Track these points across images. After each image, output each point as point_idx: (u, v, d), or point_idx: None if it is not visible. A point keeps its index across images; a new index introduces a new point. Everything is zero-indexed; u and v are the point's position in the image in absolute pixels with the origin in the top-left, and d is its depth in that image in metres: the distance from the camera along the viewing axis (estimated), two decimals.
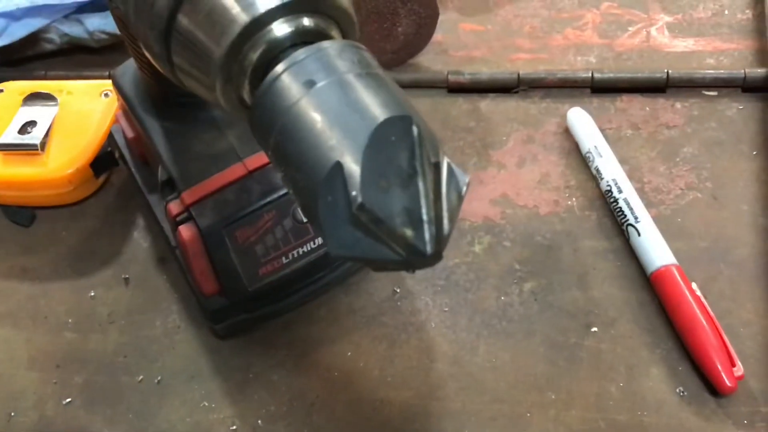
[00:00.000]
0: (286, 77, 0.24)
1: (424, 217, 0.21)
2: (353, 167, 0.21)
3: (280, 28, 0.26)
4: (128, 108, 0.42)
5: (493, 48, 0.57)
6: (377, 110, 0.22)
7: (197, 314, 0.43)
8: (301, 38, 0.26)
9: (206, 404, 0.40)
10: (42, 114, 0.48)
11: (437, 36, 0.55)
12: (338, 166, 0.22)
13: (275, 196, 0.39)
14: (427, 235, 0.22)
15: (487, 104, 0.53)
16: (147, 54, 0.28)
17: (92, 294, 0.45)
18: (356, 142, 0.21)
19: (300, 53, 0.24)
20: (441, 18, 0.54)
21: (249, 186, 0.39)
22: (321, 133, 0.22)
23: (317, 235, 0.40)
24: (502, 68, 0.55)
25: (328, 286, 0.43)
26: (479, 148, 0.50)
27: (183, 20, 0.26)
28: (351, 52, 0.24)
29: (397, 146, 0.22)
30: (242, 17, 0.25)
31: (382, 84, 0.24)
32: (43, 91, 0.49)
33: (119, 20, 0.33)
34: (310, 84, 0.23)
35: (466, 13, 0.60)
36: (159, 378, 0.41)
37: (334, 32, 0.27)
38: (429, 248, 0.22)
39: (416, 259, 0.22)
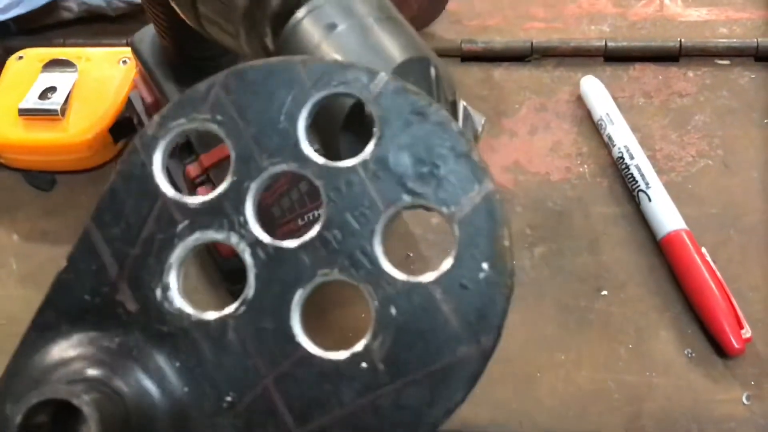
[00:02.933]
0: (306, 22, 0.25)
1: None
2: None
3: None
4: (147, 73, 0.43)
5: (507, 17, 0.57)
6: (396, 52, 0.23)
7: (214, 275, 0.44)
8: None
9: None
10: (62, 80, 0.49)
11: (451, 5, 0.55)
12: (360, 105, 0.22)
13: None
14: None
15: (500, 73, 0.53)
16: (173, 3, 0.29)
17: None
18: None
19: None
20: None
21: None
22: None
23: None
24: (515, 37, 0.55)
25: None
26: (492, 116, 0.51)
27: None
28: None
29: (416, 85, 0.22)
30: None
31: (400, 27, 0.24)
32: (62, 57, 0.50)
33: None
34: (330, 28, 0.24)
35: None
36: None
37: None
38: None
39: None
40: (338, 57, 0.23)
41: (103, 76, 0.50)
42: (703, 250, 0.42)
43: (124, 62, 0.50)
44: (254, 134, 0.23)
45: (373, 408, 0.22)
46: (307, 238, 0.22)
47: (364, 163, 0.22)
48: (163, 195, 0.23)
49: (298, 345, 0.22)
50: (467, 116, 0.23)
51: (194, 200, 0.23)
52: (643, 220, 0.45)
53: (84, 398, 0.20)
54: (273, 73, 0.23)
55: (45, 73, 0.49)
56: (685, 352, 0.40)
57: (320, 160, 0.22)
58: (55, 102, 0.47)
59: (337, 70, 0.22)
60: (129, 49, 0.45)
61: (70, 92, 0.48)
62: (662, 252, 0.43)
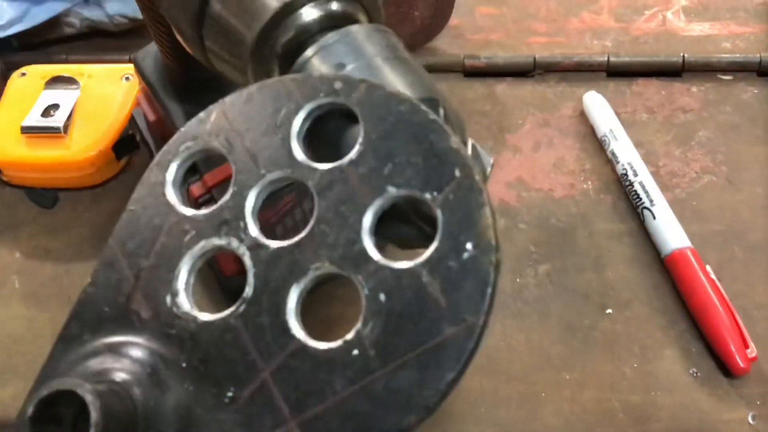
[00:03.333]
0: (316, 61, 0.25)
1: None
2: None
3: (310, 13, 0.26)
4: (150, 91, 0.43)
5: (510, 31, 0.57)
6: (405, 92, 0.23)
7: (217, 294, 0.44)
8: (330, 22, 0.26)
9: None
10: (64, 97, 0.49)
11: (453, 19, 0.55)
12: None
13: None
14: None
15: (503, 88, 0.53)
16: (179, 38, 0.29)
17: None
18: None
19: (329, 37, 0.25)
20: (457, 1, 0.54)
21: None
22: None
23: None
24: (518, 52, 0.55)
25: None
26: (495, 131, 0.51)
27: (216, 5, 0.26)
28: (378, 37, 0.25)
29: None
30: (273, 3, 0.26)
31: (408, 67, 0.24)
32: (64, 74, 0.50)
33: (144, 3, 0.34)
34: (339, 67, 0.24)
35: None
36: None
37: (361, 16, 0.27)
38: None
39: None
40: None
41: (105, 93, 0.50)
42: (708, 268, 0.42)
43: (127, 79, 0.50)
44: (251, 148, 0.25)
45: (366, 393, 0.22)
46: (301, 235, 0.23)
47: (351, 163, 0.23)
48: (174, 211, 0.25)
49: (293, 337, 0.23)
50: (476, 155, 0.23)
51: (200, 212, 0.25)
52: (647, 237, 0.44)
53: (87, 387, 0.21)
54: (268, 92, 0.25)
55: (48, 90, 0.49)
56: (691, 371, 0.40)
57: (311, 163, 0.24)
58: (57, 119, 0.47)
59: (324, 82, 0.24)
60: (131, 65, 0.45)
61: (72, 109, 0.48)
62: (667, 270, 0.43)
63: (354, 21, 0.27)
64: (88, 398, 0.21)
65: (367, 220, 0.23)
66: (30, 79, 0.50)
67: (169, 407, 0.23)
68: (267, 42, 0.26)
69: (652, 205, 0.44)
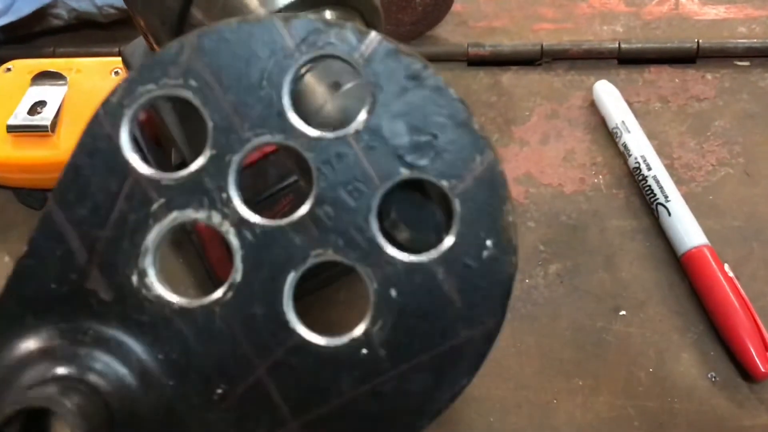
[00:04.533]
0: (310, 78, 0.23)
1: None
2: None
3: None
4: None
5: (515, 18, 0.55)
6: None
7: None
8: None
9: None
10: (51, 94, 0.47)
11: (456, 6, 0.53)
12: None
13: (292, 179, 0.37)
14: None
15: (509, 78, 0.51)
16: (155, 46, 0.27)
17: None
18: None
19: None
20: None
21: (265, 169, 0.37)
22: None
23: None
24: (524, 39, 0.53)
25: (347, 270, 0.42)
26: (501, 124, 0.49)
27: (197, 14, 0.24)
28: None
29: None
30: (261, 11, 0.23)
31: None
32: (52, 69, 0.48)
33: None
34: (335, 87, 0.22)
35: None
36: None
37: (358, 24, 0.25)
38: None
39: None
40: (345, 119, 0.21)
41: (94, 88, 0.48)
42: (726, 266, 0.40)
43: (116, 73, 0.48)
44: (233, 102, 0.21)
45: (375, 395, 0.21)
46: (297, 216, 0.21)
47: (357, 134, 0.20)
48: (133, 171, 0.21)
49: (292, 331, 0.21)
50: None
51: (170, 176, 0.21)
52: (661, 234, 0.43)
53: (66, 405, 0.18)
54: (252, 34, 0.20)
55: (34, 87, 0.47)
56: (709, 375, 0.38)
57: (309, 130, 0.20)
58: (44, 117, 0.45)
59: (324, 29, 0.20)
60: (121, 58, 0.43)
61: (60, 106, 0.46)
62: (683, 269, 0.41)
63: None
64: (70, 420, 0.18)
65: (375, 203, 0.20)
66: (16, 74, 0.48)
67: (148, 406, 0.21)
68: None
69: (667, 200, 0.42)
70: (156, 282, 0.21)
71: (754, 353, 0.37)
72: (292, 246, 0.21)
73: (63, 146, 0.45)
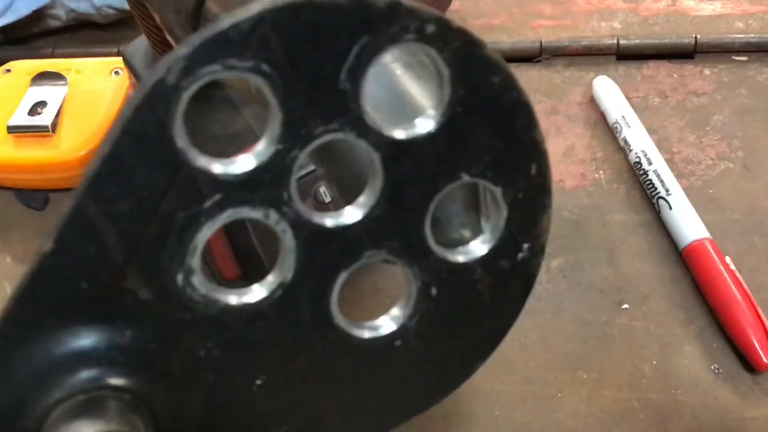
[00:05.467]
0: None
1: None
2: None
3: None
4: None
5: (513, 15, 0.55)
6: (426, 101, 0.21)
7: None
8: None
9: None
10: (51, 94, 0.47)
11: (455, 4, 0.53)
12: None
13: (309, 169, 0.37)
14: None
15: None
16: (170, 39, 0.27)
17: None
18: None
19: None
20: None
21: None
22: None
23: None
24: (523, 36, 0.53)
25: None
26: None
27: (212, 6, 0.24)
28: None
29: None
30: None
31: (427, 71, 0.22)
32: (51, 70, 0.48)
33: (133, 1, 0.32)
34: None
35: None
36: None
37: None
38: None
39: None
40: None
41: (94, 88, 0.48)
42: (728, 259, 0.40)
43: (116, 73, 0.48)
44: (307, 92, 0.18)
45: (402, 381, 0.22)
46: (356, 216, 0.20)
47: (430, 136, 0.19)
48: (187, 162, 0.18)
49: (335, 327, 0.21)
50: None
51: (228, 170, 0.19)
52: (663, 228, 0.43)
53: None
54: (338, 13, 0.17)
55: (34, 87, 0.47)
56: (712, 367, 0.38)
57: (381, 126, 0.19)
58: (45, 118, 0.45)
59: (415, 18, 0.18)
60: (121, 58, 0.43)
61: (60, 107, 0.46)
62: (685, 262, 0.41)
63: None
64: None
65: (433, 206, 0.20)
66: (15, 75, 0.48)
67: (190, 406, 0.21)
68: None
69: (668, 194, 0.42)
70: (203, 280, 0.20)
71: (756, 345, 0.38)
72: (347, 244, 0.20)
73: (64, 146, 0.45)
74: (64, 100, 0.47)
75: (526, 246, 0.21)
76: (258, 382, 0.21)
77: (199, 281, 0.19)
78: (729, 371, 0.38)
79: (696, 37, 0.50)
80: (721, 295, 0.39)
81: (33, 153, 0.45)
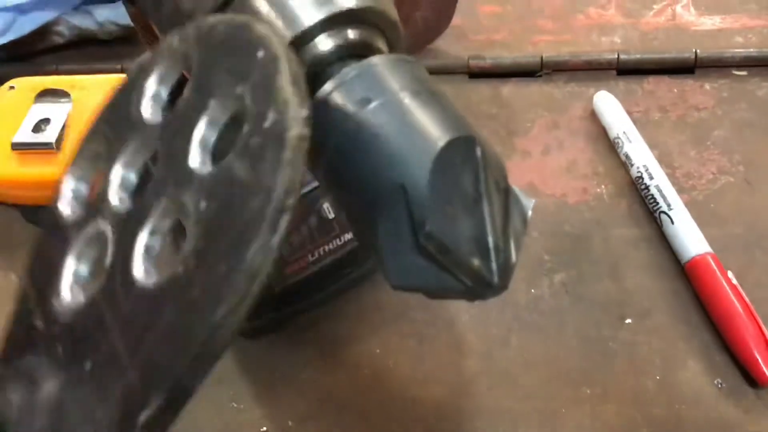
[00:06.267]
0: (337, 96, 0.23)
1: (491, 246, 0.20)
2: (418, 192, 0.20)
3: (325, 43, 0.24)
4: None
5: (514, 30, 0.55)
6: (438, 131, 0.21)
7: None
8: (347, 51, 0.24)
9: (235, 405, 0.40)
10: (55, 111, 0.47)
11: (455, 19, 0.54)
12: (401, 191, 0.20)
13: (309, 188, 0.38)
14: (494, 265, 0.21)
15: (509, 89, 0.51)
16: None
17: None
18: (420, 166, 0.20)
19: (349, 71, 0.23)
20: (459, 0, 0.52)
21: None
22: (380, 156, 0.21)
23: (366, 255, 0.38)
24: (523, 51, 0.53)
25: (355, 283, 0.42)
26: (503, 135, 0.49)
27: None
28: (403, 69, 0.23)
29: (462, 169, 0.20)
30: (286, 32, 0.24)
31: (438, 102, 0.22)
32: (55, 87, 0.48)
33: (137, 18, 0.32)
34: (363, 104, 0.22)
35: None
36: None
37: (380, 43, 0.25)
38: (496, 279, 0.21)
39: (482, 289, 0.21)
40: (375, 137, 0.21)
41: (98, 105, 0.48)
42: (730, 274, 0.40)
43: None
44: None
45: (188, 305, 0.21)
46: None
47: (183, 99, 0.23)
48: None
49: (134, 282, 0.22)
50: (516, 200, 0.22)
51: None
52: (665, 243, 0.43)
53: None
54: None
55: (38, 104, 0.47)
56: (715, 382, 0.39)
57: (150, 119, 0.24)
58: (49, 135, 0.46)
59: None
60: (125, 75, 0.43)
61: (64, 124, 0.46)
62: (687, 276, 0.42)
63: (372, 48, 0.25)
64: None
65: (198, 132, 0.22)
66: (19, 92, 0.49)
67: (41, 402, 0.23)
68: None
69: (670, 209, 0.42)
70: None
71: (759, 359, 0.38)
72: (141, 214, 0.23)
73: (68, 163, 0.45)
74: (68, 116, 0.47)
75: (271, 113, 0.20)
76: (87, 367, 0.22)
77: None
78: (732, 386, 0.38)
79: (696, 51, 0.50)
80: (723, 309, 0.39)
81: (37, 170, 0.45)
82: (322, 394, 0.40)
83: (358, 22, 0.25)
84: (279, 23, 0.24)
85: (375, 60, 0.23)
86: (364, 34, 0.25)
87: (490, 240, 0.21)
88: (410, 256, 0.21)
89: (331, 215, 0.38)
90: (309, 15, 0.24)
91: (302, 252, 0.38)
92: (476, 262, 0.21)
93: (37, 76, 0.51)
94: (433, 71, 0.52)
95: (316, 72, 0.24)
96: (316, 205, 0.38)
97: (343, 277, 0.41)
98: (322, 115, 0.23)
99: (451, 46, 0.54)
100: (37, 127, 0.46)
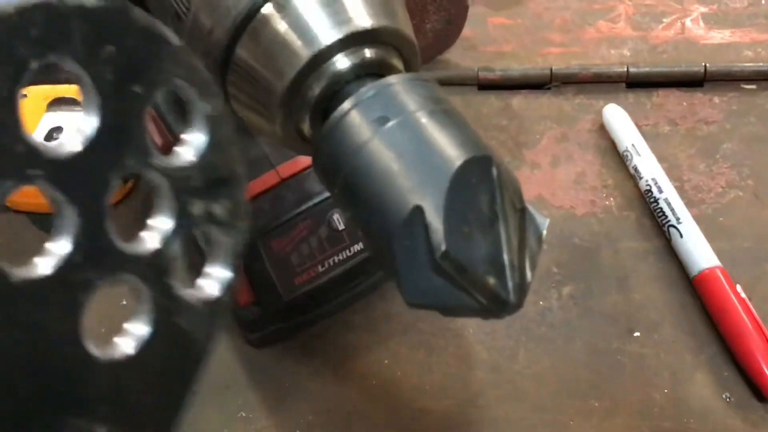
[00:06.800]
0: (354, 115, 0.23)
1: (507, 264, 0.21)
2: (434, 212, 0.20)
3: (343, 62, 0.25)
4: (156, 113, 0.41)
5: (524, 42, 0.55)
6: (455, 151, 0.21)
7: (232, 324, 0.42)
8: (365, 70, 0.25)
9: (243, 414, 0.40)
10: (67, 119, 0.48)
11: (465, 31, 0.54)
12: (418, 211, 0.21)
13: (310, 204, 0.38)
14: (510, 284, 0.21)
15: (519, 101, 0.52)
16: None
17: (124, 303, 0.44)
18: (437, 185, 0.20)
19: (367, 90, 0.23)
20: (469, 12, 0.53)
21: (283, 194, 0.38)
22: (397, 175, 0.21)
23: (377, 268, 0.39)
24: (533, 63, 0.53)
25: (364, 293, 0.42)
26: (512, 147, 0.49)
27: (242, 53, 0.25)
28: (420, 87, 0.23)
29: (478, 189, 0.21)
30: (304, 51, 0.24)
31: (455, 121, 0.23)
32: (67, 95, 0.49)
33: None
34: (380, 123, 0.22)
35: (494, 6, 0.58)
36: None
37: (396, 61, 0.26)
38: (512, 297, 0.21)
39: (498, 307, 0.21)
40: (392, 157, 0.22)
41: None
42: (738, 287, 0.40)
43: None
44: None
45: None
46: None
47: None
48: None
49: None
50: (531, 219, 0.22)
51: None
52: (673, 256, 0.43)
53: None
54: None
55: (50, 112, 0.48)
56: (723, 396, 0.39)
57: None
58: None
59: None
60: None
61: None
62: (695, 290, 0.42)
63: (389, 67, 0.25)
64: None
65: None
66: (32, 101, 0.49)
67: None
68: (298, 92, 0.25)
69: (679, 222, 0.43)
70: None
71: (767, 373, 0.38)
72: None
73: None
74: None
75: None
76: None
77: None
78: (740, 400, 0.38)
79: (705, 65, 0.50)
80: (731, 323, 0.39)
81: None
82: (330, 404, 0.40)
83: (375, 42, 0.25)
84: (298, 43, 0.24)
85: (392, 79, 0.24)
86: (381, 53, 0.25)
87: (506, 259, 0.21)
88: (426, 275, 0.21)
89: (341, 226, 0.39)
90: (327, 35, 0.24)
91: (312, 262, 0.39)
92: (492, 281, 0.21)
93: (49, 84, 0.51)
94: (443, 82, 0.52)
95: (334, 90, 0.25)
96: (326, 216, 0.38)
97: (352, 288, 0.41)
98: (339, 133, 0.23)
99: (460, 57, 0.55)
100: (50, 136, 0.47)
